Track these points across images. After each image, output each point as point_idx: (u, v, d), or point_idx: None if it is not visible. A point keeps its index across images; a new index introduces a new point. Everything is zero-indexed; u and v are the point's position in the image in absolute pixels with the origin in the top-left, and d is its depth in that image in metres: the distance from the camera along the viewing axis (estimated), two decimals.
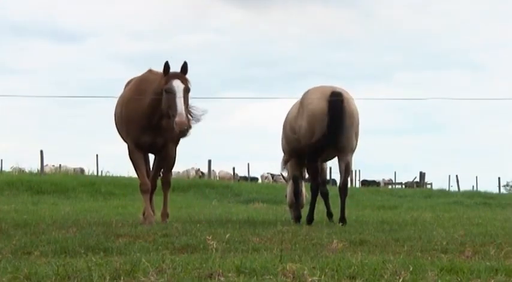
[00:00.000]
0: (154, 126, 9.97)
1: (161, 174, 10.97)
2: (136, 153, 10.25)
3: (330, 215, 11.06)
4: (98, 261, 5.19)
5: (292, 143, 10.92)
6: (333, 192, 11.53)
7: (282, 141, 11.48)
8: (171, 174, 10.85)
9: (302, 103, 10.50)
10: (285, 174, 11.85)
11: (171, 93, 9.44)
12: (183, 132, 9.53)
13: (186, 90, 9.54)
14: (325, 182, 11.44)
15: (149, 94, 9.86)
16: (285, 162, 11.47)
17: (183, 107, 9.34)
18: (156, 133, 10.05)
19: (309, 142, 10.27)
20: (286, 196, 11.79)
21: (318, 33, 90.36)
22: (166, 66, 9.62)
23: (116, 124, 10.92)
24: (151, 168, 10.97)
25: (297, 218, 11.09)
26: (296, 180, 11.37)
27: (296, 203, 11.33)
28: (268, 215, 13.12)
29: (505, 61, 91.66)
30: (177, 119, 9.25)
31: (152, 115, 9.86)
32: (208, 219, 11.23)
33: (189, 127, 9.62)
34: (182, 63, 9.67)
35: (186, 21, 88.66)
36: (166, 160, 10.46)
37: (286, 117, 11.27)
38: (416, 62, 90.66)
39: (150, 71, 10.43)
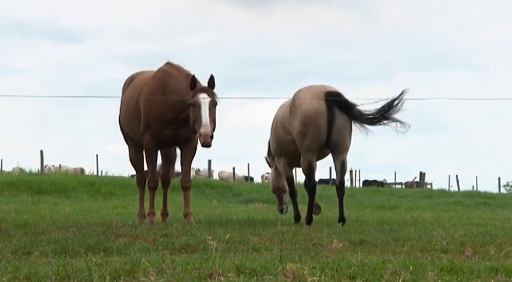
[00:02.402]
0: (181, 120, 9.79)
1: (161, 173, 10.95)
2: (153, 147, 10.06)
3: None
4: (98, 261, 5.19)
5: (285, 143, 10.91)
6: (333, 192, 11.52)
7: (272, 142, 11.46)
8: (190, 172, 10.41)
9: (294, 103, 10.49)
10: (269, 159, 11.96)
11: (197, 106, 9.31)
12: (207, 144, 9.22)
13: (213, 104, 9.40)
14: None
15: (176, 92, 9.72)
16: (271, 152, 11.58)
17: (208, 119, 9.21)
18: (181, 125, 9.83)
19: (302, 142, 10.28)
20: (268, 179, 11.91)
21: (318, 33, 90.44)
22: (193, 80, 9.48)
23: (123, 121, 10.78)
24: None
25: (297, 218, 11.10)
26: (290, 181, 11.38)
27: (294, 203, 11.34)
28: (268, 215, 13.12)
29: (505, 61, 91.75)
30: (202, 129, 9.13)
31: (181, 112, 9.70)
32: (208, 219, 11.24)
33: (212, 138, 9.23)
34: (209, 77, 9.55)
35: (187, 21, 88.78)
36: (189, 152, 10.09)
37: (276, 119, 11.24)
38: (416, 62, 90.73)
39: (169, 64, 10.17)
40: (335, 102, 10.13)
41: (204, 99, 9.35)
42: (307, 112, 10.19)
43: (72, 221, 10.39)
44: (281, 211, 11.95)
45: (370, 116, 10.18)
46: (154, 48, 78.42)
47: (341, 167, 10.40)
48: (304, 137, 10.25)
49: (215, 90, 9.55)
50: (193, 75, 9.55)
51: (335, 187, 10.70)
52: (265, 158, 12.20)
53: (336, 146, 10.24)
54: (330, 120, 10.10)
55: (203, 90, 9.47)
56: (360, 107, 10.22)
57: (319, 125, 10.13)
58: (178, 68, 10.02)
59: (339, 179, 10.52)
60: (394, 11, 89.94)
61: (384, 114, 10.16)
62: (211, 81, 9.55)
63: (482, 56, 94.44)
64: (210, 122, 9.23)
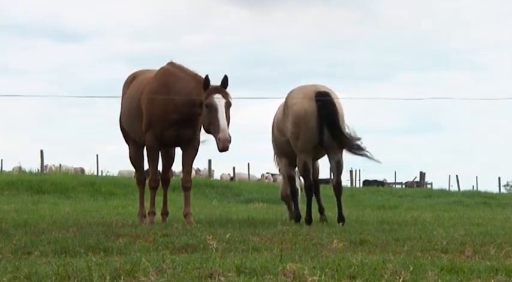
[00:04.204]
0: (184, 121, 9.77)
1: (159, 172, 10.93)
2: (155, 147, 10.03)
3: (321, 212, 11.04)
4: (98, 261, 5.19)
5: (282, 144, 10.90)
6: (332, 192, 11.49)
7: (272, 143, 11.47)
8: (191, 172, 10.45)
9: (286, 104, 10.49)
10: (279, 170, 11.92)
11: (213, 108, 9.18)
12: (225, 149, 9.11)
13: (228, 105, 9.30)
14: (317, 181, 11.38)
15: (181, 93, 9.64)
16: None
17: (225, 123, 9.08)
18: (185, 125, 9.79)
19: (296, 143, 10.27)
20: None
21: (319, 33, 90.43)
22: (207, 80, 9.35)
23: (124, 120, 10.74)
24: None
25: (297, 218, 11.08)
26: (292, 180, 11.36)
27: (294, 203, 11.31)
28: (268, 215, 13.11)
29: (505, 61, 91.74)
30: (220, 135, 8.99)
31: (185, 113, 9.66)
32: (208, 219, 11.24)
33: (230, 143, 9.10)
34: (223, 77, 9.44)
35: (187, 21, 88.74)
36: (190, 152, 10.05)
37: (274, 119, 11.26)
38: (416, 62, 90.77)
39: (172, 63, 10.09)
40: (323, 102, 10.09)
41: (219, 100, 9.23)
42: (298, 113, 10.18)
43: (72, 220, 10.39)
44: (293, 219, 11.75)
45: (346, 135, 10.09)
46: (155, 48, 78.41)
47: (336, 167, 10.38)
48: (297, 138, 10.24)
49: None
50: (207, 75, 9.43)
51: (332, 187, 10.69)
52: (279, 170, 12.12)
53: (330, 146, 10.22)
54: (321, 120, 10.06)
55: (217, 90, 9.35)
56: (344, 119, 10.16)
57: (311, 126, 10.09)
58: (182, 68, 9.97)
59: (336, 178, 10.50)
60: (394, 11, 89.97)
61: (354, 145, 10.10)
62: (225, 81, 9.43)
63: (482, 56, 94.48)
64: (227, 126, 9.12)
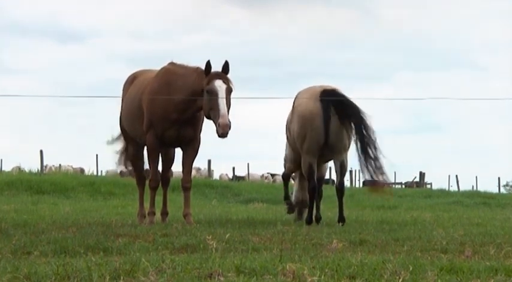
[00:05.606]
0: (185, 120, 9.78)
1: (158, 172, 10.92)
2: (156, 147, 10.04)
3: (317, 218, 10.81)
4: (97, 261, 5.19)
5: (293, 145, 10.85)
6: (332, 192, 11.49)
7: (286, 147, 11.34)
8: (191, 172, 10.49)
9: (293, 105, 10.49)
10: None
11: (214, 94, 9.22)
12: (225, 135, 9.15)
13: (229, 91, 9.33)
14: (322, 180, 11.28)
15: (182, 89, 9.66)
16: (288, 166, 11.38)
17: (226, 109, 9.13)
18: (185, 125, 9.81)
19: (301, 144, 10.23)
20: (292, 193, 11.65)
21: (319, 33, 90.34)
22: (208, 65, 9.39)
23: (124, 120, 10.74)
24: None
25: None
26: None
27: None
28: (268, 215, 13.12)
29: (505, 61, 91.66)
30: (220, 120, 9.04)
31: (186, 110, 9.68)
32: (208, 219, 11.24)
33: (230, 128, 9.15)
34: (224, 62, 9.48)
35: (187, 21, 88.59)
36: (191, 153, 10.07)
37: (286, 121, 11.22)
38: (416, 62, 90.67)
39: (172, 63, 10.10)
40: (331, 101, 10.05)
41: (220, 86, 9.27)
42: (303, 113, 10.16)
43: (71, 220, 10.39)
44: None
45: (366, 123, 10.01)
46: (155, 48, 78.26)
47: (340, 168, 10.36)
48: (303, 139, 10.21)
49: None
50: (208, 60, 9.44)
51: (335, 188, 10.66)
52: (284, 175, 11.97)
53: (334, 147, 10.20)
54: (326, 120, 10.03)
55: (218, 76, 9.39)
56: (359, 106, 10.08)
57: (316, 127, 10.05)
58: (183, 66, 9.99)
59: (339, 180, 10.48)
60: (394, 11, 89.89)
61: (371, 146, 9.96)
62: (226, 66, 9.47)
63: (482, 56, 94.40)
64: (228, 112, 9.16)
